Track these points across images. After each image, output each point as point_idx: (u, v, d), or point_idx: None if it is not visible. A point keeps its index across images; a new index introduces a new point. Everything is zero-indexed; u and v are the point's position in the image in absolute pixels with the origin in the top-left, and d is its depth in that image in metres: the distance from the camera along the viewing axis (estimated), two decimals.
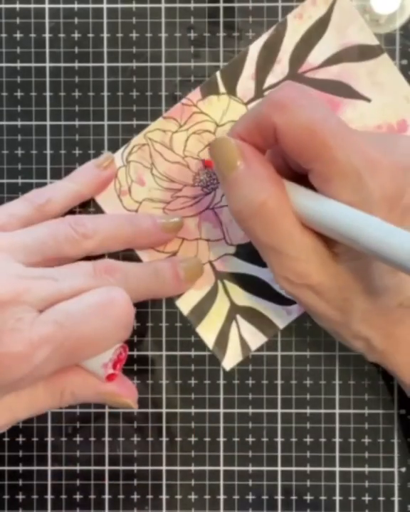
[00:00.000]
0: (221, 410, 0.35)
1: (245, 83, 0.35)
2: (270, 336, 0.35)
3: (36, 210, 0.33)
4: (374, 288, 0.29)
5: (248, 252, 0.35)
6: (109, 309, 0.29)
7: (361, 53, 0.35)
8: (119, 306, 0.29)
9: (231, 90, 0.35)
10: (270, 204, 0.28)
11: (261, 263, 0.33)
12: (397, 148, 0.29)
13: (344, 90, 0.35)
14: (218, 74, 0.35)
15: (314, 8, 0.35)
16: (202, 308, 0.35)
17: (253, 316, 0.35)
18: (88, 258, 0.33)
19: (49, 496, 0.36)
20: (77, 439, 0.36)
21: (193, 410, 0.36)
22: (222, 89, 0.35)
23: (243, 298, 0.35)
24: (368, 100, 0.35)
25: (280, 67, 0.35)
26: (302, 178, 0.29)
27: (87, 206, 0.35)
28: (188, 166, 0.35)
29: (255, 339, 0.35)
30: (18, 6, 0.36)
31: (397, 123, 0.35)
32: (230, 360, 0.35)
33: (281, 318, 0.35)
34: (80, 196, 0.34)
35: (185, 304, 0.35)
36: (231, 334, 0.35)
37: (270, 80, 0.35)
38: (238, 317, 0.35)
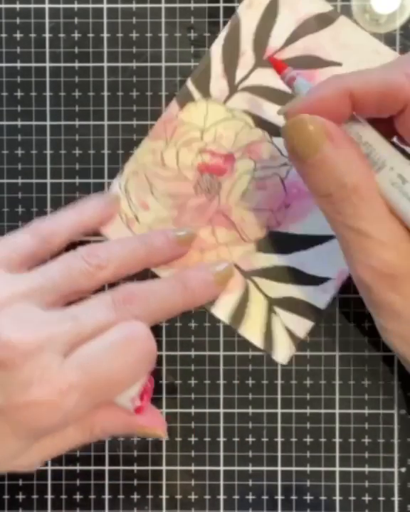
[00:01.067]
0: (221, 410, 0.35)
1: (218, 83, 0.35)
2: (315, 320, 0.35)
3: (40, 242, 0.32)
4: None
5: (268, 244, 0.35)
6: (131, 345, 0.29)
7: (319, 22, 0.35)
8: (141, 340, 0.29)
9: (206, 94, 0.35)
10: (363, 187, 0.27)
11: (283, 251, 0.34)
12: None
13: (314, 62, 0.35)
14: (189, 82, 0.35)
15: None
16: (240, 310, 0.35)
17: (292, 304, 0.35)
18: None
19: (49, 496, 0.36)
20: None
21: (193, 410, 0.36)
22: (197, 95, 0.35)
23: (276, 289, 0.35)
24: (339, 64, 0.35)
25: (246, 59, 0.35)
26: None
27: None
28: (186, 178, 0.35)
29: (301, 326, 0.35)
30: (18, 6, 0.36)
31: None
32: (283, 353, 0.35)
33: (319, 298, 0.35)
34: (84, 228, 0.34)
35: (221, 311, 0.35)
36: (276, 328, 0.35)
37: (240, 73, 0.35)
38: (277, 309, 0.35)
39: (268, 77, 0.35)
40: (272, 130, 0.35)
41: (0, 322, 0.29)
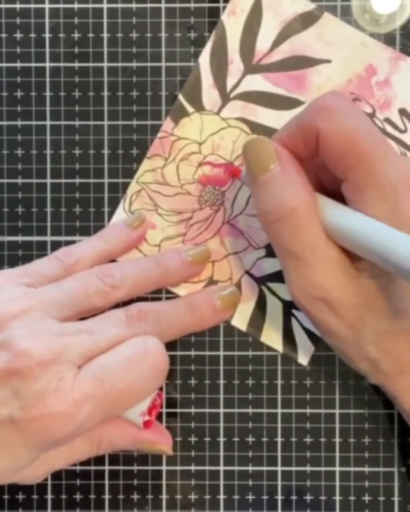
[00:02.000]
0: (221, 410, 0.35)
1: (209, 95, 0.35)
2: None
3: (65, 269, 0.33)
4: (392, 309, 0.29)
5: None
6: (145, 360, 0.29)
7: (304, 22, 0.35)
8: (154, 355, 0.30)
9: (199, 106, 0.35)
10: (301, 210, 0.28)
11: None
12: None
13: (303, 62, 0.35)
14: (180, 96, 0.35)
15: (242, 0, 0.35)
16: (257, 318, 0.35)
17: None
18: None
19: (49, 496, 0.36)
20: None
21: (193, 410, 0.36)
22: (190, 109, 0.35)
23: None
24: (328, 61, 0.35)
25: (235, 66, 0.35)
26: (332, 196, 0.29)
27: None
28: (189, 193, 0.35)
29: None
30: (18, 6, 0.36)
31: (365, 70, 0.35)
32: (304, 354, 0.35)
33: None
34: (109, 255, 0.34)
35: (240, 321, 0.35)
36: (295, 330, 0.35)
37: (231, 81, 0.35)
38: (294, 311, 0.35)
39: (259, 83, 0.35)
40: (269, 134, 0.35)
41: (17, 332, 0.29)
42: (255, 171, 0.29)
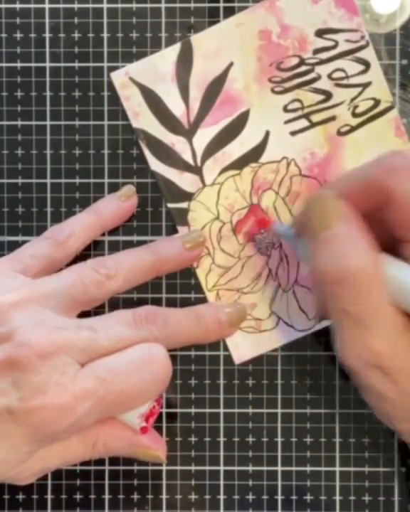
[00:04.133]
0: (221, 410, 0.35)
1: (184, 180, 0.35)
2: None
3: (58, 247, 0.33)
4: None
5: None
6: (149, 365, 0.30)
7: (183, 62, 0.35)
8: (159, 362, 0.30)
9: (187, 197, 0.35)
10: (365, 273, 0.27)
11: None
12: None
13: (216, 85, 0.35)
14: (170, 206, 0.35)
15: (132, 99, 0.35)
16: None
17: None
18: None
19: (49, 496, 0.36)
20: None
21: (193, 410, 0.36)
22: (184, 205, 0.35)
23: None
24: (231, 64, 0.35)
25: (179, 144, 0.35)
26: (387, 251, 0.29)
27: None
28: (249, 256, 0.35)
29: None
30: (18, 6, 0.36)
31: (260, 38, 0.35)
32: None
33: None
34: (101, 227, 0.35)
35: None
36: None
37: (187, 156, 0.35)
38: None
39: (206, 135, 0.35)
40: (252, 157, 0.35)
41: (17, 323, 0.29)
42: (318, 227, 0.28)
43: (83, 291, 0.31)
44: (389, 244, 0.29)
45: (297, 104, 0.35)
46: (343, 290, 0.27)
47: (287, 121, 0.35)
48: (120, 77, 0.35)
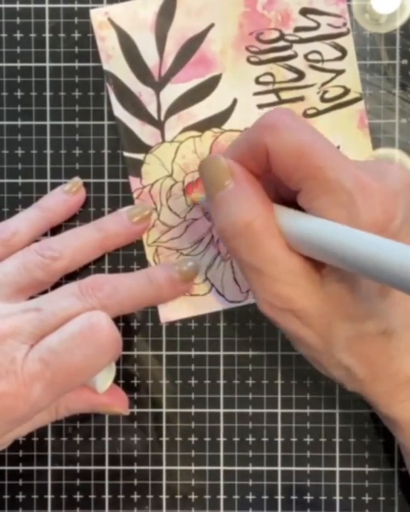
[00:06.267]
0: (221, 410, 0.35)
1: (145, 132, 0.35)
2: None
3: (2, 246, 0.33)
4: (359, 312, 0.28)
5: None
6: (91, 336, 0.29)
7: (165, 13, 0.35)
8: (101, 330, 0.29)
9: (145, 149, 0.35)
10: (257, 225, 0.28)
11: None
12: (387, 174, 0.28)
13: (193, 43, 0.35)
14: (126, 154, 0.35)
15: (107, 40, 0.35)
16: None
17: None
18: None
19: (49, 496, 0.36)
20: (77, 439, 0.36)
21: (193, 410, 0.36)
22: (140, 157, 0.35)
23: None
24: (212, 26, 0.35)
25: (145, 94, 0.35)
26: (292, 207, 0.29)
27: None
28: (195, 219, 0.35)
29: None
30: (18, 5, 0.36)
31: (245, 6, 0.35)
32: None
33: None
34: (48, 223, 0.34)
35: None
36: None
37: (152, 108, 0.35)
38: None
39: (174, 90, 0.35)
40: (216, 122, 0.35)
41: None
42: (211, 189, 0.29)
43: (28, 276, 0.32)
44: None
45: (269, 78, 0.35)
46: (239, 243, 0.28)
47: (256, 93, 0.35)
48: (99, 16, 0.35)
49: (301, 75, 0.35)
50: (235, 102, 0.35)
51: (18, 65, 0.36)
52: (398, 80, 0.35)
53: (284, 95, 0.35)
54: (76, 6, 0.35)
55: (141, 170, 0.35)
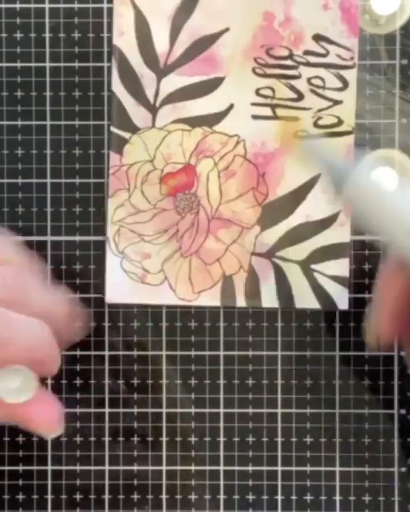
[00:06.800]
0: (221, 410, 0.35)
1: (137, 114, 0.35)
2: (348, 254, 0.35)
3: None
4: None
5: (269, 218, 0.35)
6: None
7: (186, 7, 0.35)
8: None
9: (133, 129, 0.35)
10: None
11: (285, 215, 0.35)
12: None
13: (205, 42, 0.35)
14: (112, 128, 0.35)
15: (124, 17, 0.35)
16: (284, 290, 0.35)
17: (321, 254, 0.35)
18: None
19: (49, 496, 0.36)
20: (77, 439, 0.36)
21: (193, 410, 0.36)
22: (126, 135, 0.35)
23: (300, 252, 0.35)
24: (227, 30, 0.35)
25: (147, 77, 0.35)
26: None
27: None
28: (165, 209, 0.35)
29: (341, 267, 0.35)
30: (18, 5, 0.36)
31: (263, 19, 0.35)
32: (341, 299, 0.35)
33: (340, 234, 0.35)
34: None
35: (271, 301, 0.36)
36: (322, 283, 0.35)
37: (150, 93, 0.35)
38: (313, 266, 0.35)
39: (176, 81, 0.35)
40: (209, 121, 0.35)
41: None
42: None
43: None
44: None
45: (269, 92, 0.35)
46: None
47: (253, 104, 0.35)
48: None
49: (300, 96, 0.35)
50: (231, 107, 0.35)
51: (18, 65, 0.36)
52: (398, 80, 0.35)
53: (280, 112, 0.35)
54: (76, 6, 0.36)
55: (123, 148, 0.35)
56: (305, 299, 0.35)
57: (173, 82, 0.35)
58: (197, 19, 0.35)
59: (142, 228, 0.36)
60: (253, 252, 0.35)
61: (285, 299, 0.35)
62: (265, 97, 0.35)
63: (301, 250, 0.35)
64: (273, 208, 0.35)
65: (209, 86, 0.35)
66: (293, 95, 0.35)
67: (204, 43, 0.35)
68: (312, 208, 0.35)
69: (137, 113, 0.35)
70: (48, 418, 0.29)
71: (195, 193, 0.35)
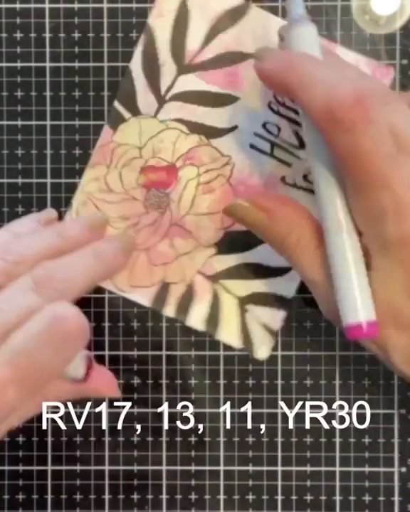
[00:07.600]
0: (221, 410, 0.35)
1: (145, 98, 0.35)
2: (286, 309, 0.35)
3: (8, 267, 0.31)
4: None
5: (227, 245, 0.35)
6: (58, 330, 0.28)
7: (232, 17, 0.35)
8: (66, 322, 0.28)
9: (135, 111, 0.35)
10: (303, 240, 0.30)
11: (243, 248, 0.35)
12: None
13: (238, 57, 0.35)
14: (116, 103, 0.35)
15: (168, 1, 0.35)
16: (213, 316, 0.35)
17: (262, 299, 0.35)
18: None
19: (49, 496, 0.36)
20: (77, 439, 0.36)
21: (193, 410, 0.36)
22: (126, 114, 0.35)
23: (244, 288, 0.35)
24: None
25: (168, 68, 0.35)
26: None
27: None
28: (134, 198, 0.35)
29: (274, 318, 0.35)
30: (18, 5, 0.36)
31: None
32: (262, 349, 0.35)
33: (287, 288, 0.35)
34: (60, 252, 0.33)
35: (196, 321, 0.35)
36: (251, 325, 0.35)
37: (165, 83, 0.35)
38: (249, 306, 0.35)
39: (193, 82, 0.35)
40: (208, 133, 0.35)
41: None
42: (251, 227, 0.31)
43: None
44: None
45: (274, 129, 0.35)
46: (292, 260, 0.31)
47: (256, 134, 0.35)
48: None
49: (301, 146, 0.35)
50: (235, 127, 0.35)
51: (18, 65, 0.36)
52: (399, 80, 0.35)
53: (277, 152, 0.35)
54: (76, 6, 0.36)
55: (119, 126, 0.35)
56: (228, 334, 0.35)
57: (190, 81, 0.35)
58: (237, 32, 0.35)
59: (106, 207, 0.36)
60: (199, 271, 0.35)
61: (210, 325, 0.35)
62: (269, 132, 0.35)
63: (244, 287, 0.35)
64: (235, 237, 0.35)
65: (222, 100, 0.35)
66: (295, 142, 0.35)
67: (235, 58, 0.35)
68: (270, 253, 0.33)
69: (144, 97, 0.35)
70: (109, 385, 0.33)
71: (169, 194, 0.35)
